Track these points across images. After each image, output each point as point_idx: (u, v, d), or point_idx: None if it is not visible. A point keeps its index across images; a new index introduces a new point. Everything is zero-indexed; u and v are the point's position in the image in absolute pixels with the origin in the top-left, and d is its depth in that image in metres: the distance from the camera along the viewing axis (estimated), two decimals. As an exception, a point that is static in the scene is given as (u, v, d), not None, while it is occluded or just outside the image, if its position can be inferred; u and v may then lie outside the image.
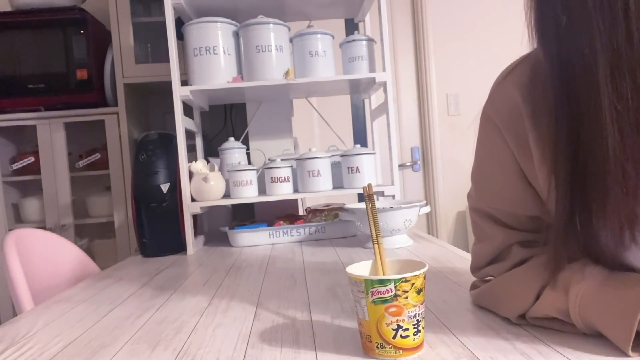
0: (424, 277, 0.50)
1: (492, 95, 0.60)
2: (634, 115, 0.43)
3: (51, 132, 1.87)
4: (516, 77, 0.57)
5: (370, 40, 1.42)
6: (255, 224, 1.39)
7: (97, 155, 1.94)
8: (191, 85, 1.33)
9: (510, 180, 0.58)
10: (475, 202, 0.64)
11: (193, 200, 1.32)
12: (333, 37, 1.42)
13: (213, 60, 1.32)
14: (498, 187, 0.60)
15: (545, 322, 0.54)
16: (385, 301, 0.48)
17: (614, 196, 0.45)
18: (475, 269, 0.66)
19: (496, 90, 0.60)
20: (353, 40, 1.40)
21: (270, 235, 1.34)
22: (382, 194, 1.36)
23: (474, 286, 0.67)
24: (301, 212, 1.73)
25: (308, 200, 1.80)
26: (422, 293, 0.49)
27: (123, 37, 1.84)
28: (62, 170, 1.88)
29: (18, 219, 1.97)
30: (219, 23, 1.33)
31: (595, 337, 0.50)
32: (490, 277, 0.64)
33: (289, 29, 1.39)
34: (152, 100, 2.16)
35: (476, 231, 0.65)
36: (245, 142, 1.56)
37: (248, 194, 1.33)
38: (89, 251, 1.79)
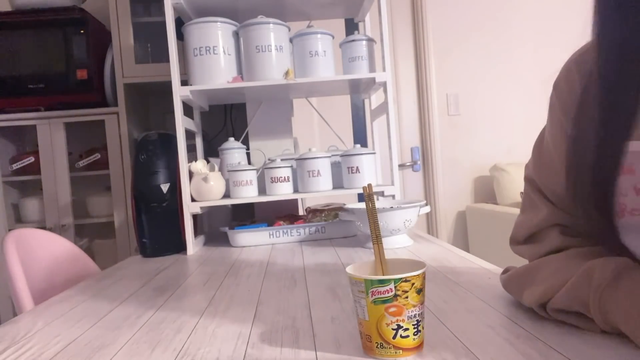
0: (424, 277, 0.50)
1: (561, 72, 0.61)
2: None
3: (51, 132, 1.87)
4: (581, 62, 0.57)
5: (370, 40, 1.42)
6: (255, 224, 1.39)
7: (97, 155, 1.94)
8: (191, 85, 1.33)
9: (560, 158, 0.58)
10: (529, 171, 0.65)
11: (193, 200, 1.32)
12: (333, 37, 1.42)
13: (213, 60, 1.32)
14: (547, 161, 0.61)
15: (565, 315, 0.53)
16: (385, 301, 0.48)
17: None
18: (513, 241, 0.66)
19: (564, 68, 0.61)
20: (353, 40, 1.40)
21: (270, 235, 1.34)
22: (382, 194, 1.36)
23: (505, 270, 0.67)
24: (301, 212, 1.73)
25: (308, 200, 1.80)
26: (422, 293, 0.49)
27: (123, 37, 1.84)
28: (62, 170, 1.88)
29: (18, 219, 1.98)
30: (219, 23, 1.33)
31: (596, 337, 0.50)
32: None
33: (289, 29, 1.39)
34: (152, 100, 2.16)
35: (524, 202, 0.66)
36: (245, 142, 1.56)
37: (248, 194, 1.33)
38: (89, 251, 1.79)
